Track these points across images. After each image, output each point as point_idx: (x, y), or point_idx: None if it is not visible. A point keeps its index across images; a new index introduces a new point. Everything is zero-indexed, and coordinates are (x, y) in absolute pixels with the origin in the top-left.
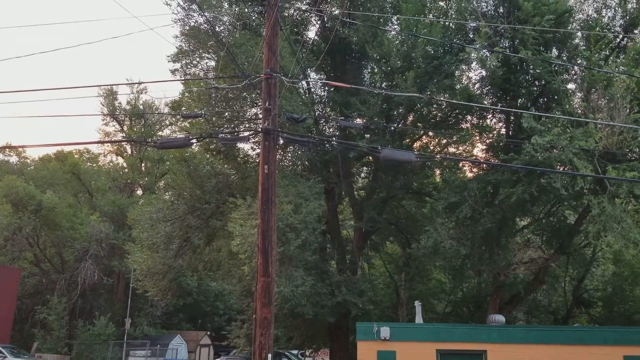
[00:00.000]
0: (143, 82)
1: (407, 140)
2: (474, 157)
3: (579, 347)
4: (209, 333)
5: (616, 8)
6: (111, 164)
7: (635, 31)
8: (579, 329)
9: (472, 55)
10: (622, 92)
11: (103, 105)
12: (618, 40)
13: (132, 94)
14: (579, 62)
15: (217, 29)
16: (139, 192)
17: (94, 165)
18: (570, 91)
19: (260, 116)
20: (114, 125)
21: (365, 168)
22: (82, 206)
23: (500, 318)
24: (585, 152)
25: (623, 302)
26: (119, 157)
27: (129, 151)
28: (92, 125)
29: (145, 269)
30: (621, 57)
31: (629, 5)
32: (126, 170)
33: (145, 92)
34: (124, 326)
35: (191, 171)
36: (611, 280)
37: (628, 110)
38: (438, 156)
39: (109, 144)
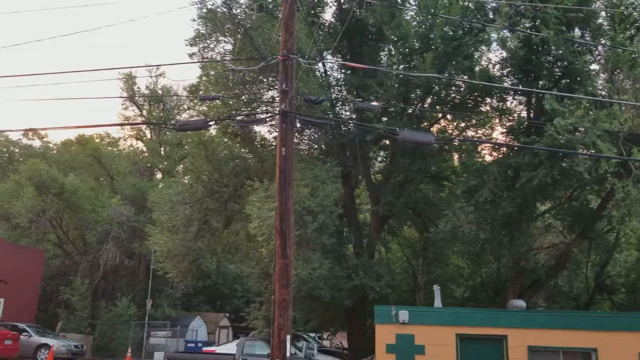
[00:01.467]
0: (161, 65)
1: (425, 124)
2: (494, 140)
3: (602, 332)
4: (227, 315)
5: None
6: (131, 148)
7: None
8: (602, 314)
9: (493, 35)
10: None
11: (122, 89)
12: None
13: (151, 78)
14: (602, 42)
15: (233, 11)
16: (159, 175)
17: (115, 149)
18: (593, 72)
19: (277, 99)
20: (133, 110)
21: (382, 152)
22: (103, 189)
23: (521, 303)
24: (609, 134)
25: None
26: (139, 142)
27: (149, 135)
28: (113, 110)
29: (165, 251)
30: None
31: None
32: (146, 154)
33: (164, 76)
34: (145, 307)
35: (209, 155)
36: (635, 266)
37: None
38: (457, 139)
39: (128, 129)
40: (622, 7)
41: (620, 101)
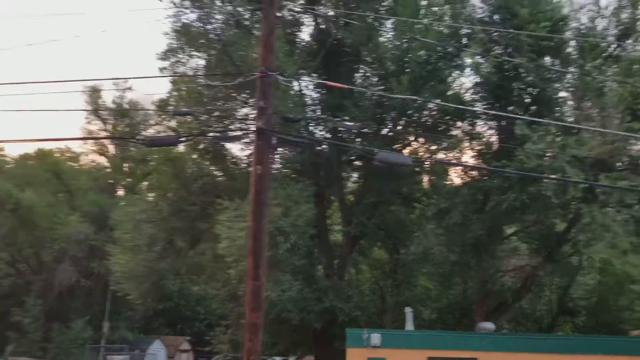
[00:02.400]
0: (130, 78)
1: (398, 145)
2: (464, 163)
3: (568, 355)
4: (188, 338)
5: (610, 18)
6: (93, 163)
7: (629, 41)
8: (568, 337)
9: (467, 60)
10: (615, 101)
11: (87, 102)
12: (611, 49)
13: (118, 92)
14: (572, 70)
15: (208, 27)
16: (121, 192)
17: (76, 164)
18: (563, 99)
19: (251, 116)
20: (97, 124)
21: (355, 173)
22: (62, 206)
23: (490, 326)
24: (577, 160)
25: (607, 311)
26: (101, 157)
27: (112, 151)
28: (75, 123)
29: (126, 271)
30: (614, 66)
31: (622, 16)
32: (108, 170)
33: (131, 90)
34: (102, 330)
35: (177, 172)
36: (596, 289)
37: (620, 119)
38: (433, 161)
39: (91, 143)
40: (591, 37)
41: (588, 128)
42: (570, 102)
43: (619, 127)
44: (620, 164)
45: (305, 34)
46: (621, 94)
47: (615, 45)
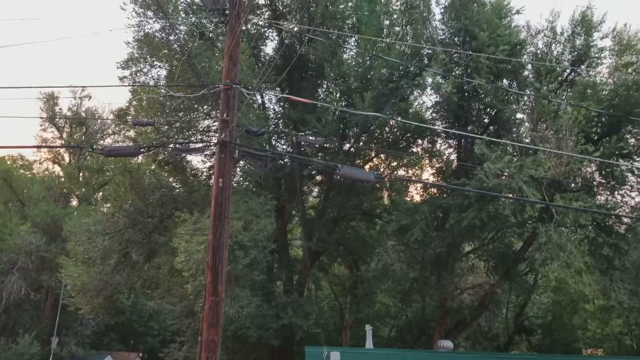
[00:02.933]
0: (88, 87)
1: (360, 161)
2: (426, 180)
3: None
4: (141, 354)
5: (565, 43)
6: (47, 172)
7: (583, 66)
8: (525, 356)
9: (428, 80)
10: (570, 124)
11: (42, 110)
12: (566, 74)
13: (75, 100)
14: (528, 92)
15: (172, 37)
16: (75, 203)
17: (28, 173)
18: (519, 121)
19: (213, 128)
20: (52, 132)
21: (316, 188)
22: (12, 215)
23: (448, 344)
24: (534, 180)
25: (562, 330)
26: (56, 166)
27: (67, 159)
28: (29, 131)
29: (79, 285)
30: (569, 90)
31: (577, 42)
32: (62, 179)
33: (89, 99)
34: (50, 345)
35: (134, 183)
36: (551, 308)
37: (575, 141)
38: (396, 178)
39: (45, 152)
40: (547, 62)
41: (545, 149)
42: (526, 124)
43: (574, 149)
44: (574, 185)
45: (269, 48)
46: (575, 117)
47: (569, 70)
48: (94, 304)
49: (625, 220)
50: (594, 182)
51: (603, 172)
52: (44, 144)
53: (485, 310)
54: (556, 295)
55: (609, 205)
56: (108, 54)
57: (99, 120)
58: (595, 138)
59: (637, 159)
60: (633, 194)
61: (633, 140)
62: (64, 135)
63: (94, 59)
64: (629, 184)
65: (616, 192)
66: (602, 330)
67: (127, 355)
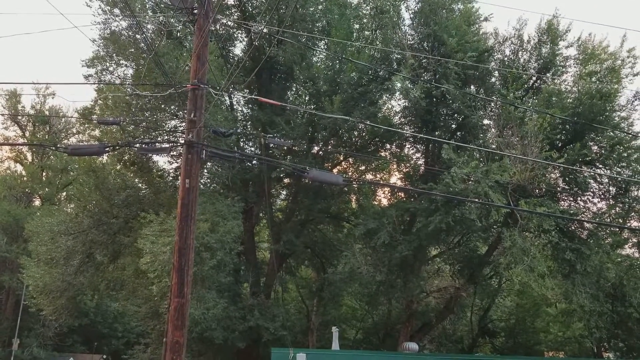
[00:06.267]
0: (52, 84)
1: (328, 164)
2: (395, 184)
3: None
4: (104, 357)
5: (531, 51)
6: (8, 171)
7: (548, 74)
8: (488, 358)
9: (397, 84)
10: (535, 131)
11: (4, 107)
12: (532, 81)
13: (39, 97)
14: (495, 99)
15: (139, 36)
16: (38, 202)
17: None
18: (486, 127)
19: (180, 128)
20: (14, 130)
21: (284, 190)
22: None
23: (414, 346)
24: (499, 185)
25: (524, 333)
26: (18, 165)
27: (30, 158)
28: None
29: (41, 286)
30: (535, 97)
31: (543, 50)
32: (25, 178)
33: (53, 97)
34: (11, 347)
35: (99, 183)
36: (514, 311)
37: (540, 148)
38: (364, 181)
39: (7, 150)
40: (514, 69)
41: (511, 154)
42: (493, 130)
43: (539, 155)
44: (538, 190)
45: (238, 49)
46: (541, 124)
47: (535, 78)
48: (56, 305)
49: (587, 225)
50: (558, 188)
51: (567, 179)
52: (5, 142)
53: (451, 313)
54: (519, 299)
55: (572, 211)
56: (73, 51)
57: (63, 119)
58: (560, 145)
59: (600, 166)
60: (595, 200)
61: (596, 147)
62: (27, 133)
63: (58, 56)
64: (592, 190)
65: (579, 198)
66: (564, 333)
67: (90, 358)
